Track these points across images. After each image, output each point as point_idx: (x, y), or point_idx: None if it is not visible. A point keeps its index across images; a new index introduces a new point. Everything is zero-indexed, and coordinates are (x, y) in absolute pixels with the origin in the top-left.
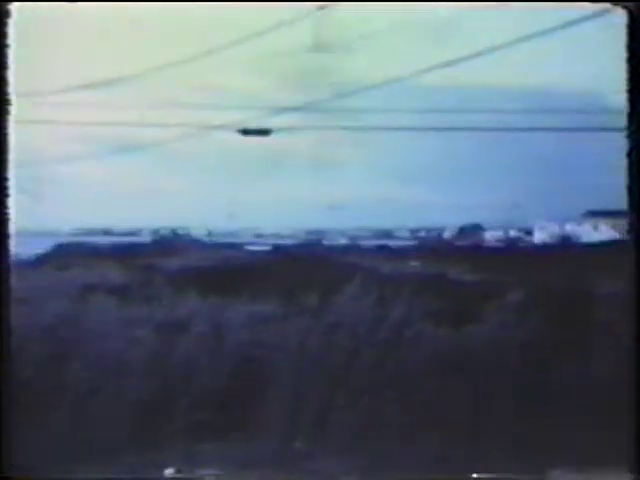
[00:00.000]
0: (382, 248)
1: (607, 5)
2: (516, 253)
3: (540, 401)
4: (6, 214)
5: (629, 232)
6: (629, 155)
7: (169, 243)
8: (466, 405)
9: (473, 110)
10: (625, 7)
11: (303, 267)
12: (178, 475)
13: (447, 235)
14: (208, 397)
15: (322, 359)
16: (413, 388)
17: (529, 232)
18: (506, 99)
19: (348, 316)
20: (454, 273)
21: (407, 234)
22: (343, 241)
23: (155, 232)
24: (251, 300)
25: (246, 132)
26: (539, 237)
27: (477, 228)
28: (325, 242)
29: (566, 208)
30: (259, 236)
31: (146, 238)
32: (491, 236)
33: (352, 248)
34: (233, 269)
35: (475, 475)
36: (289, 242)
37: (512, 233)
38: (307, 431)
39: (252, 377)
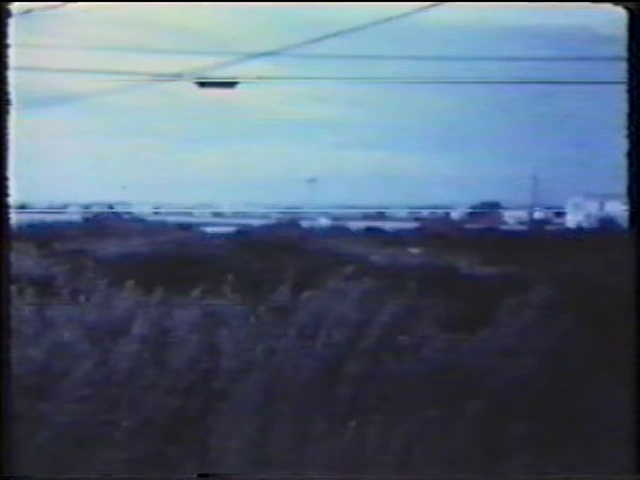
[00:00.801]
0: (374, 231)
1: None
2: (544, 239)
3: (568, 429)
4: (6, 214)
5: (629, 231)
6: (629, 155)
7: (103, 222)
8: (479, 439)
9: (484, 57)
10: (625, 7)
11: (274, 254)
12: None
13: (456, 216)
14: (149, 422)
15: (293, 374)
16: (410, 413)
17: (560, 212)
18: (526, 44)
19: (329, 319)
20: (465, 264)
21: (405, 214)
22: (325, 222)
23: (85, 208)
24: (207, 296)
25: (205, 83)
26: (573, 218)
27: (494, 207)
28: (302, 223)
29: (608, 181)
30: (219, 215)
31: (73, 216)
32: (511, 217)
33: (336, 231)
34: (185, 256)
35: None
36: (257, 223)
37: (538, 214)
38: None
39: (202, 397)
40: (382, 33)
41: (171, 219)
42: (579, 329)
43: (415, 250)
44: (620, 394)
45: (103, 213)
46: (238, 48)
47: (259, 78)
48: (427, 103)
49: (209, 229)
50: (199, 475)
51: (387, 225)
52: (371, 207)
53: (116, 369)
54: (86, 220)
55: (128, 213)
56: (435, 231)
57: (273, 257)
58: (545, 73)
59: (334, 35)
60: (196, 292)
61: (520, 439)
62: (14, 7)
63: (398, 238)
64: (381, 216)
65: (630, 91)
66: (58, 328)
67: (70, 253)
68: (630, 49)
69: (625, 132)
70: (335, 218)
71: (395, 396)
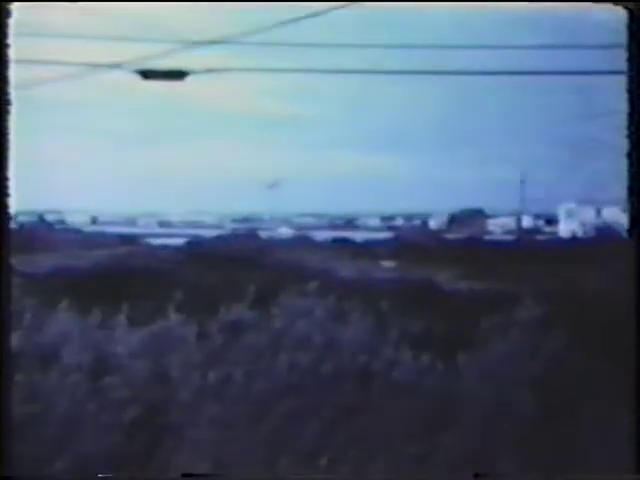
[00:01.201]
0: (342, 242)
1: None
2: (533, 250)
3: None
4: (6, 214)
5: (629, 232)
6: (629, 155)
7: (33, 233)
8: None
9: (469, 45)
10: (625, 7)
11: (228, 269)
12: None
13: (434, 224)
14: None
15: (244, 406)
16: (377, 455)
17: (551, 220)
18: (518, 30)
19: (288, 342)
20: (444, 279)
21: (377, 223)
22: (287, 232)
23: (12, 217)
24: (150, 318)
25: (149, 74)
26: (567, 227)
27: (477, 214)
28: (261, 233)
29: (605, 185)
30: (165, 225)
31: None
32: (497, 225)
33: (299, 241)
34: (125, 272)
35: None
36: (210, 233)
37: (527, 221)
38: None
39: (142, 429)
40: (352, 19)
41: (111, 229)
42: (571, 353)
43: (388, 263)
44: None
45: (32, 223)
46: (189, 35)
47: (212, 69)
48: (405, 97)
49: (155, 241)
50: (183, 475)
51: (357, 235)
52: (339, 215)
53: (44, 403)
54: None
55: (61, 223)
56: (411, 241)
57: (227, 272)
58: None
59: (298, 20)
60: (139, 312)
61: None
62: (14, 7)
63: (369, 250)
64: (350, 225)
65: (630, 91)
66: None
67: None
68: (630, 49)
69: (625, 132)
70: (299, 228)
71: (360, 429)
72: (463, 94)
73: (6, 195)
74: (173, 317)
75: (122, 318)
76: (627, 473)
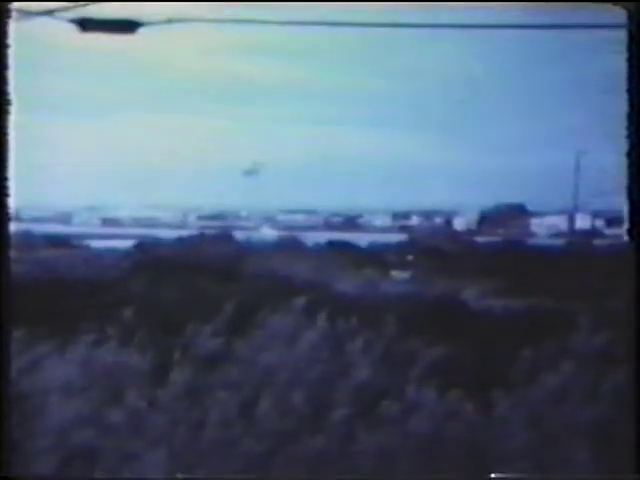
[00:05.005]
0: (340, 246)
1: None
2: (589, 258)
3: None
4: (6, 214)
5: (629, 232)
6: (629, 155)
7: None
8: None
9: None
10: (625, 7)
11: (191, 281)
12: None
13: (460, 224)
14: None
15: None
16: None
17: (614, 219)
18: None
19: (270, 375)
20: (472, 294)
21: (386, 222)
22: (270, 232)
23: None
24: (94, 342)
25: (88, 24)
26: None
27: (515, 212)
28: (237, 233)
29: None
30: (111, 222)
31: None
32: (542, 226)
33: (286, 245)
34: (58, 283)
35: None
36: (168, 234)
37: (582, 221)
38: None
39: None
40: None
41: (38, 228)
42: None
43: (401, 273)
44: None
45: None
46: None
47: (171, 19)
48: (407, 58)
49: (96, 243)
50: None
51: (361, 238)
52: (337, 212)
53: None
54: None
55: None
56: (429, 246)
57: (190, 285)
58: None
59: None
60: (71, 337)
61: None
62: (14, 7)
63: (375, 256)
64: (352, 225)
65: (630, 91)
66: None
67: None
68: (630, 49)
69: (625, 132)
70: (285, 227)
71: None
72: (498, 57)
73: (6, 195)
74: (111, 344)
75: (50, 342)
76: (627, 473)
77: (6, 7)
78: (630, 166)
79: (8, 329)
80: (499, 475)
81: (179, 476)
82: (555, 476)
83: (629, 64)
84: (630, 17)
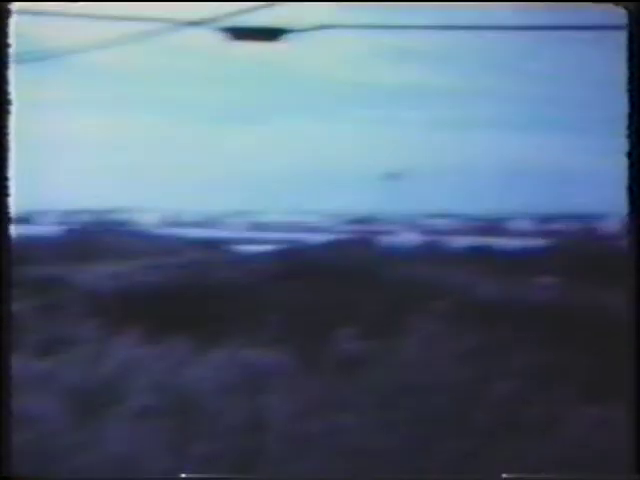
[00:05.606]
0: (483, 251)
1: None
2: None
3: None
4: (7, 214)
5: (629, 233)
6: (629, 155)
7: (89, 237)
8: None
9: None
10: (625, 7)
11: (336, 286)
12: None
13: (613, 227)
14: None
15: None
16: None
17: None
18: None
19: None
20: (622, 301)
21: (532, 226)
22: (412, 237)
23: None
24: (234, 349)
25: (240, 33)
26: None
27: None
28: (379, 238)
29: None
30: (258, 227)
31: None
32: None
33: (428, 250)
34: (203, 289)
35: (505, 475)
36: (310, 238)
37: None
38: None
39: None
40: None
41: (188, 233)
42: None
43: (545, 278)
44: None
45: (89, 224)
46: None
47: (316, 26)
48: (544, 61)
49: (242, 247)
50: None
51: (504, 243)
52: (480, 216)
53: None
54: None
55: (124, 224)
56: (576, 251)
57: (336, 290)
58: None
59: None
60: (221, 341)
61: None
62: (14, 7)
63: (520, 261)
64: (496, 229)
65: (630, 91)
66: None
67: None
68: (630, 49)
69: (625, 132)
70: (427, 232)
71: None
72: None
73: (6, 195)
74: (265, 349)
75: (199, 348)
76: (627, 473)
77: (6, 7)
78: (630, 166)
79: (8, 329)
80: (510, 475)
81: (182, 476)
82: (558, 476)
83: (629, 64)
84: (630, 17)
